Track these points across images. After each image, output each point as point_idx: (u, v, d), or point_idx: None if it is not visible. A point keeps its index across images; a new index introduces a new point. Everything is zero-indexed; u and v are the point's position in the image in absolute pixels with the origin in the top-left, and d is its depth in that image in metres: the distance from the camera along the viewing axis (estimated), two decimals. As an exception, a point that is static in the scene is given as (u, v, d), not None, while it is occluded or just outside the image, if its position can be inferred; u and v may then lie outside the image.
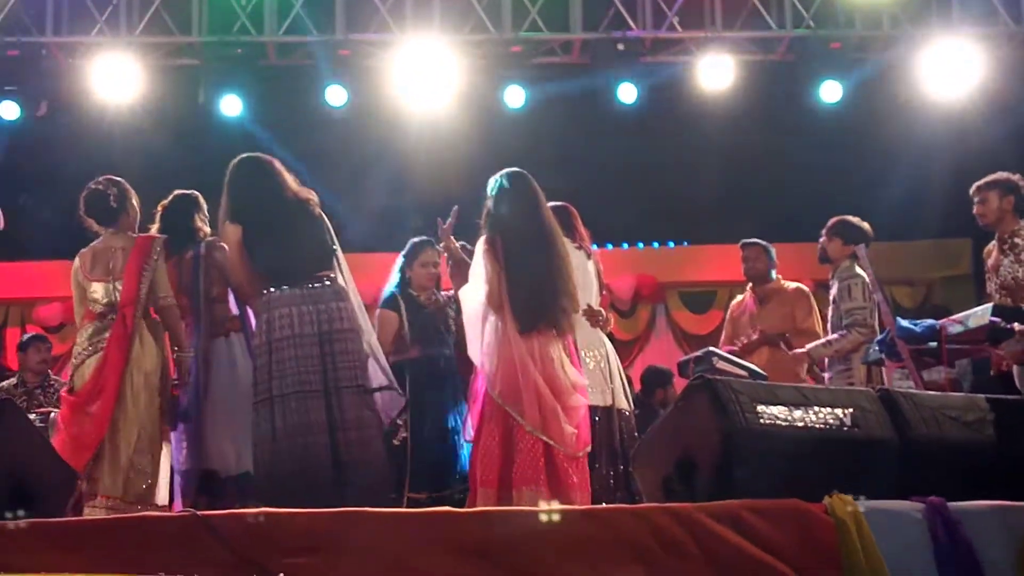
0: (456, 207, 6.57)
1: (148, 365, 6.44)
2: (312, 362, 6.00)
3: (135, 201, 6.88)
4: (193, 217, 7.01)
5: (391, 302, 7.56)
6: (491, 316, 6.13)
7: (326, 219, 6.37)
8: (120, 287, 6.51)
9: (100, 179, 6.82)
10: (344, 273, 6.34)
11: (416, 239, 7.76)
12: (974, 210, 7.28)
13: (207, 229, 7.01)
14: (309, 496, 5.37)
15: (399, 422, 7.18)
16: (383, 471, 6.15)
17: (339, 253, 6.37)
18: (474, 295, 6.22)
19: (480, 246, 6.23)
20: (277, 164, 6.43)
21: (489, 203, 6.32)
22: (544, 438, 5.92)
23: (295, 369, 5.99)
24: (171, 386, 6.59)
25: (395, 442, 7.13)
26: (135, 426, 6.36)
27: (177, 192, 7.12)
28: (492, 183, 6.37)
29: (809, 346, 8.02)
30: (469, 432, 6.26)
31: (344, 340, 6.10)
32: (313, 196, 6.38)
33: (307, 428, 5.93)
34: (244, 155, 6.47)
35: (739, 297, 8.84)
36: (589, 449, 6.16)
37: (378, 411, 6.24)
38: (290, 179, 6.39)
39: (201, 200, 7.13)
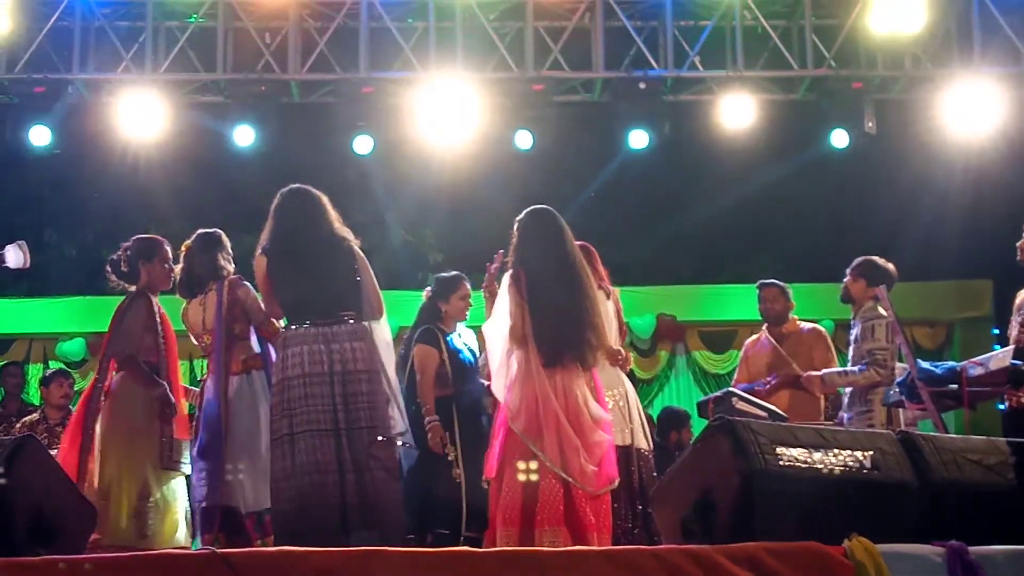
0: (500, 251, 6.60)
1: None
2: (323, 401, 5.99)
3: (159, 256, 7.11)
4: (216, 256, 7.02)
5: (430, 338, 7.56)
6: (515, 350, 6.15)
7: (362, 258, 6.32)
8: None
9: (124, 244, 7.07)
10: (370, 314, 6.27)
11: (447, 274, 7.82)
12: (1018, 243, 7.20)
13: (230, 267, 7.04)
14: (317, 534, 5.42)
15: (450, 459, 7.21)
16: (393, 514, 6.05)
17: (369, 291, 6.29)
18: (498, 330, 6.25)
19: (505, 280, 6.28)
20: (322, 199, 6.43)
21: (514, 239, 6.37)
22: (564, 475, 5.92)
23: (304, 408, 6.00)
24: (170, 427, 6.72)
25: (455, 479, 7.18)
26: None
27: (200, 231, 7.16)
28: (518, 220, 6.42)
29: (824, 371, 8.00)
30: (489, 468, 6.24)
31: (357, 381, 6.06)
32: (349, 235, 6.34)
33: (315, 467, 5.93)
34: (292, 186, 6.50)
35: (754, 336, 8.82)
36: (614, 486, 6.15)
37: (395, 455, 6.18)
38: (332, 216, 6.38)
39: (224, 238, 7.14)
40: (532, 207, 6.50)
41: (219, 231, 7.14)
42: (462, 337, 7.73)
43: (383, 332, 6.32)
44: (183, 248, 7.13)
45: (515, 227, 6.42)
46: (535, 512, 5.88)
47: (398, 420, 6.22)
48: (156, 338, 6.94)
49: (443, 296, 7.74)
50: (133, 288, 7.07)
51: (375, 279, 6.31)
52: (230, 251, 7.08)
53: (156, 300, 7.11)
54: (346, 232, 6.36)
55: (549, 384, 6.04)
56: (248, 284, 6.72)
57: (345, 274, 6.23)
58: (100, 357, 6.79)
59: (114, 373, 6.88)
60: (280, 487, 6.01)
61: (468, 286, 7.79)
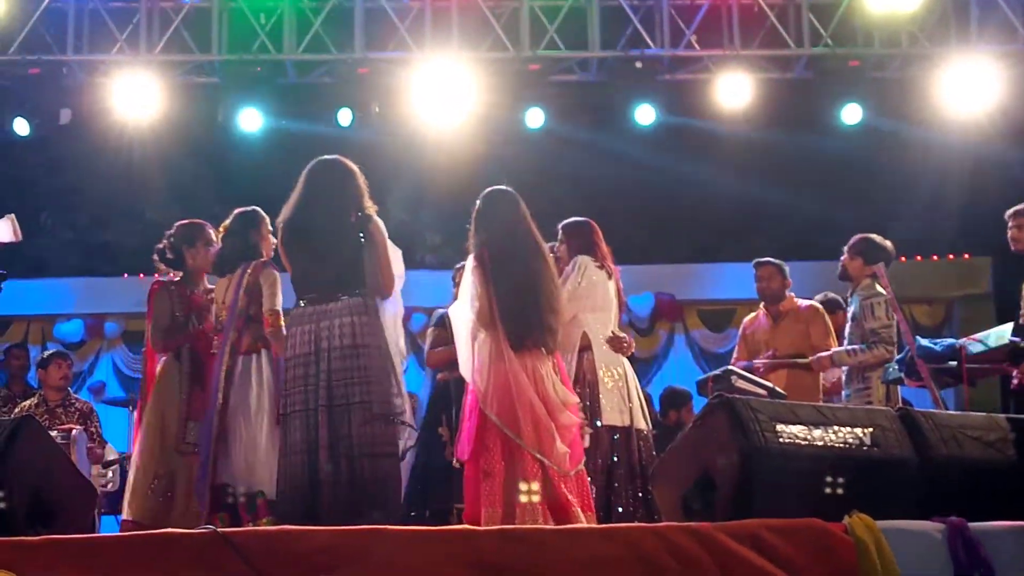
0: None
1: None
2: (307, 381, 5.91)
3: (201, 239, 7.19)
4: (248, 235, 6.95)
5: (440, 322, 7.60)
6: (481, 334, 6.14)
7: (375, 234, 6.13)
8: None
9: (168, 232, 7.19)
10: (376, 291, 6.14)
11: (458, 265, 7.86)
12: (1008, 234, 7.22)
13: (266, 247, 6.97)
14: (293, 516, 5.41)
15: (444, 440, 7.26)
16: (382, 494, 5.87)
17: (376, 268, 6.12)
18: (464, 312, 6.25)
19: (469, 263, 6.29)
20: (344, 171, 6.32)
21: (474, 221, 6.39)
22: (539, 457, 5.92)
23: (292, 389, 5.96)
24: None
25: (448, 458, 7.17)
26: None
27: (237, 210, 7.10)
28: (478, 202, 6.44)
29: (835, 349, 7.98)
30: (461, 450, 6.23)
31: (343, 357, 5.92)
32: (366, 209, 6.20)
33: (293, 447, 5.90)
34: (321, 157, 6.40)
35: (751, 315, 8.82)
36: (581, 467, 6.15)
37: (390, 431, 5.97)
38: (350, 190, 6.24)
39: (259, 217, 7.02)
40: (490, 188, 6.51)
41: (256, 209, 7.02)
42: None
43: (391, 309, 6.19)
44: (221, 228, 7.09)
45: (475, 209, 6.42)
46: (516, 493, 5.89)
47: (397, 398, 6.06)
48: (189, 322, 7.01)
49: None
50: (170, 275, 7.20)
51: (388, 256, 6.14)
52: (269, 228, 7.01)
53: (204, 282, 7.23)
54: (366, 206, 6.21)
55: (520, 366, 6.03)
56: (274, 269, 6.70)
57: (348, 251, 6.07)
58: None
59: (160, 358, 7.02)
60: (279, 465, 6.02)
61: None
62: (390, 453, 5.94)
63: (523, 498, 5.90)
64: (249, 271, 6.71)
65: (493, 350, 6.07)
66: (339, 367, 5.90)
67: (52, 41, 10.46)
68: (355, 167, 6.33)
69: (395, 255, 6.22)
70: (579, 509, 5.94)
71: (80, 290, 13.72)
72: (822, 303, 8.68)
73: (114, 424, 11.83)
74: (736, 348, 8.89)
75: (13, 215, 6.94)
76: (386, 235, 6.16)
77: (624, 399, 6.85)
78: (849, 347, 7.92)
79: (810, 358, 8.07)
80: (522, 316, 6.10)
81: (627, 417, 6.83)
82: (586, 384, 6.78)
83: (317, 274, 6.09)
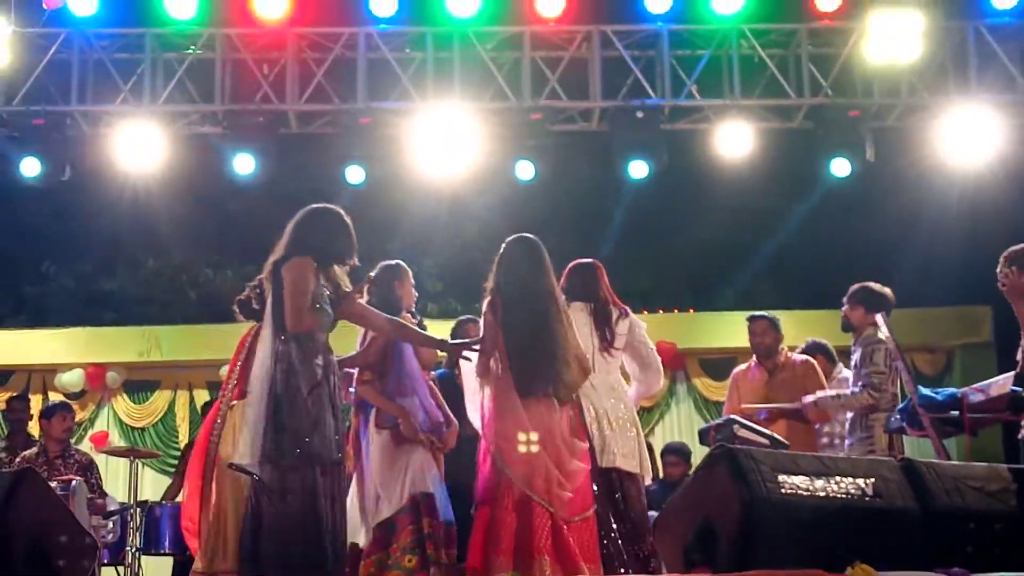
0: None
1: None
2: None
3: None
4: (393, 286, 7.09)
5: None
6: (488, 380, 6.16)
7: (286, 276, 5.94)
8: None
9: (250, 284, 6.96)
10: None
11: (461, 318, 8.02)
12: (999, 283, 7.19)
13: (410, 295, 7.15)
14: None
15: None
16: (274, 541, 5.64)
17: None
18: (474, 357, 6.27)
19: (484, 309, 6.29)
20: (337, 220, 6.22)
21: (495, 266, 6.38)
22: (545, 505, 5.92)
23: None
24: None
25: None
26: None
27: (382, 264, 7.22)
28: (502, 246, 6.45)
29: (819, 394, 7.96)
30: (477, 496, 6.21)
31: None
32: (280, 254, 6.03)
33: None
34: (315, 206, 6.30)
35: (743, 366, 8.82)
36: (588, 514, 6.13)
37: (278, 480, 5.69)
38: (309, 236, 6.10)
39: (403, 268, 7.17)
40: (516, 235, 6.50)
41: (399, 262, 7.25)
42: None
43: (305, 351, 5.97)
44: (367, 280, 7.08)
45: (498, 254, 6.42)
46: (530, 541, 5.87)
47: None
48: None
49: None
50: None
51: (293, 298, 5.90)
52: (412, 280, 7.20)
53: None
54: (296, 248, 6.02)
55: (526, 415, 6.03)
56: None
57: (274, 296, 5.99)
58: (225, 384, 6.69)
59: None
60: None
61: (476, 327, 7.77)
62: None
63: (534, 548, 5.87)
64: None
65: (499, 397, 6.09)
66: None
67: (56, 92, 10.51)
68: (340, 214, 6.23)
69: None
70: (585, 563, 5.92)
71: (81, 339, 13.71)
72: (806, 349, 8.70)
73: (115, 475, 11.84)
74: (727, 398, 8.87)
75: None
76: (301, 274, 5.94)
77: (602, 439, 6.76)
78: (833, 392, 7.94)
79: (796, 404, 8.05)
80: (531, 364, 6.10)
81: (635, 464, 6.77)
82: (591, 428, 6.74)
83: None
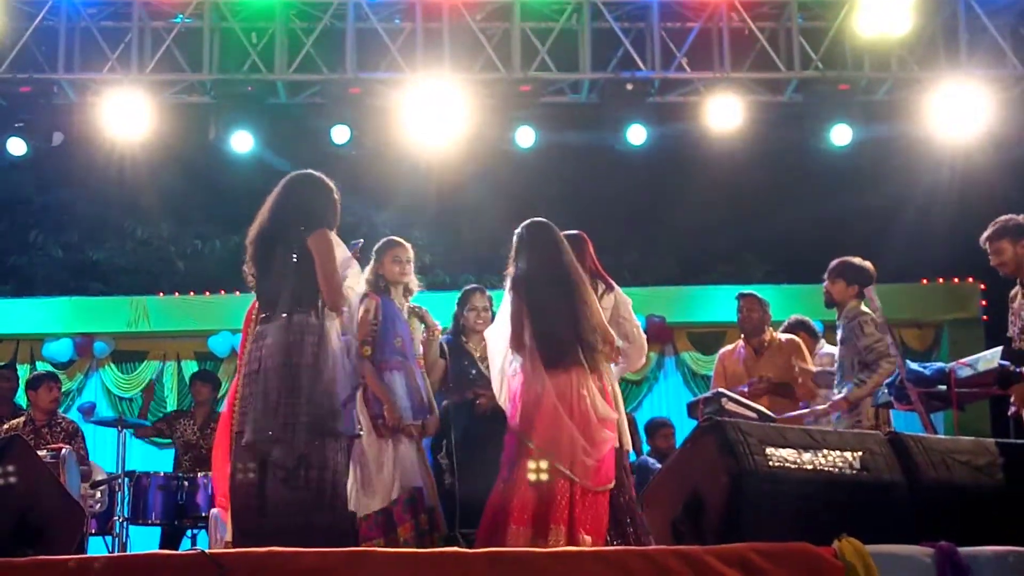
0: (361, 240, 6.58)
1: None
2: (239, 404, 5.80)
3: None
4: (373, 264, 7.27)
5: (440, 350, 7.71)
6: (516, 355, 6.26)
7: (317, 247, 5.76)
8: None
9: None
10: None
11: (468, 287, 8.04)
12: (991, 262, 7.16)
13: (390, 271, 7.26)
14: (253, 532, 5.32)
15: (442, 464, 7.27)
16: (275, 519, 5.51)
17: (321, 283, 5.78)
18: (500, 334, 6.38)
19: (507, 288, 6.42)
20: (310, 185, 6.06)
21: (513, 250, 6.48)
22: (569, 474, 5.96)
23: (242, 409, 5.77)
24: None
25: (446, 485, 7.24)
26: None
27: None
28: (517, 232, 6.53)
29: (844, 391, 7.63)
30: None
31: (252, 383, 5.70)
32: (306, 222, 5.84)
33: (245, 467, 5.78)
34: (296, 172, 6.16)
35: (729, 347, 8.84)
36: (611, 486, 6.19)
37: (296, 452, 5.57)
38: (308, 204, 5.94)
39: (387, 242, 7.37)
40: (530, 220, 6.59)
41: (388, 239, 7.38)
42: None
43: (334, 326, 5.86)
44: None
45: (514, 239, 6.52)
46: (549, 511, 5.92)
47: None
48: None
49: (460, 309, 7.93)
50: None
51: (329, 270, 5.74)
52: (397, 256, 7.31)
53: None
54: (318, 220, 5.86)
55: (552, 384, 6.10)
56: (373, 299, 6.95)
57: (282, 268, 5.80)
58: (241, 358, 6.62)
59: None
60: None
61: (483, 297, 7.96)
62: (275, 477, 5.58)
63: (532, 476, 5.99)
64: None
65: (526, 371, 6.19)
66: (249, 392, 5.70)
67: (43, 59, 10.45)
68: (325, 182, 6.08)
69: (352, 270, 5.95)
70: (587, 535, 5.95)
71: (69, 309, 13.67)
72: (788, 326, 8.72)
73: (104, 444, 11.82)
74: (713, 379, 8.88)
75: None
76: (333, 248, 5.81)
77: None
78: (856, 379, 7.56)
79: (826, 405, 7.89)
80: (556, 335, 6.21)
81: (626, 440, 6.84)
82: None
83: (261, 292, 5.95)
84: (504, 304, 6.39)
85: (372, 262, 7.28)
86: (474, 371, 7.66)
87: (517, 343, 6.23)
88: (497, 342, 6.41)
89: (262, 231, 5.95)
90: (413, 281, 7.41)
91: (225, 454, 6.08)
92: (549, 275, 6.36)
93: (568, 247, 6.51)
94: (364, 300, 6.90)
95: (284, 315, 5.69)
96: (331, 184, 6.09)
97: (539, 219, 6.61)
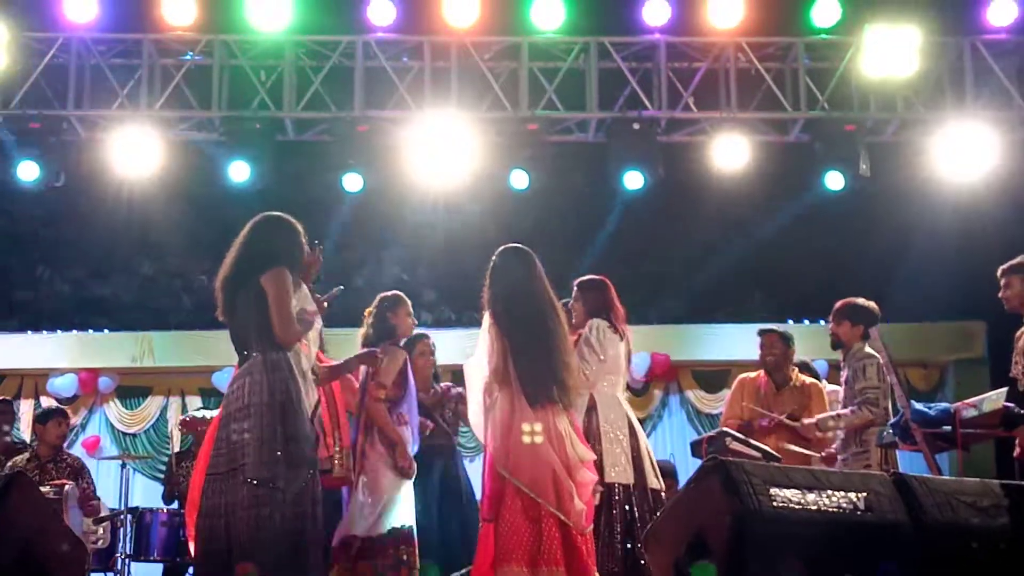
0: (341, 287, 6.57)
1: None
2: (217, 445, 5.73)
3: None
4: (386, 317, 7.43)
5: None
6: (498, 391, 6.14)
7: (271, 284, 5.75)
8: None
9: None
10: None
11: (414, 334, 8.02)
12: (1000, 294, 7.22)
13: (406, 324, 7.49)
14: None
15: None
16: (263, 557, 5.49)
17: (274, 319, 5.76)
18: (479, 368, 6.27)
19: (485, 320, 6.28)
20: (272, 227, 6.07)
21: (488, 278, 6.39)
22: (560, 516, 5.92)
23: (215, 452, 5.75)
24: None
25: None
26: None
27: (380, 296, 7.54)
28: (493, 259, 6.46)
29: (818, 416, 7.95)
30: (484, 510, 6.21)
31: (229, 424, 5.70)
32: (268, 260, 5.85)
33: (213, 511, 5.77)
34: (262, 214, 6.18)
35: (751, 374, 8.79)
36: (592, 526, 6.15)
37: (262, 495, 5.53)
38: (268, 245, 5.96)
39: (399, 298, 7.51)
40: (505, 246, 6.51)
41: (396, 293, 7.59)
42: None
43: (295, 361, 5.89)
44: (366, 313, 7.54)
45: (490, 265, 6.43)
46: (541, 551, 5.87)
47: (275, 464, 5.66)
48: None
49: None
50: None
51: (283, 308, 5.75)
52: (410, 308, 7.56)
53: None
54: (264, 259, 5.87)
55: (537, 423, 6.02)
56: (400, 349, 7.24)
57: (243, 309, 5.85)
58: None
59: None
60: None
61: (426, 343, 8.19)
62: (260, 516, 5.55)
63: (521, 517, 5.90)
64: (380, 350, 6.92)
65: (510, 407, 6.07)
66: (224, 435, 5.70)
67: (53, 96, 10.51)
68: (287, 221, 6.10)
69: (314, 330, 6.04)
70: (592, 569, 5.94)
71: (74, 344, 13.69)
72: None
73: (107, 480, 11.81)
74: (728, 402, 8.85)
75: None
76: (289, 285, 5.82)
77: (629, 458, 6.85)
78: (834, 412, 7.91)
79: (797, 424, 8.06)
80: (537, 372, 6.10)
81: (630, 475, 6.82)
82: (592, 443, 6.76)
83: (232, 336, 5.97)
84: (483, 335, 6.26)
85: (387, 313, 7.45)
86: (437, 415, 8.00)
87: (502, 376, 6.10)
88: (476, 376, 6.27)
89: (225, 277, 6.00)
90: None
91: (197, 490, 6.09)
92: (526, 305, 6.23)
93: (542, 272, 6.37)
94: (392, 351, 7.22)
95: (257, 355, 5.76)
96: (294, 223, 6.10)
97: (512, 245, 6.50)
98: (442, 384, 8.29)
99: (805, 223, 13.11)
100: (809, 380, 8.52)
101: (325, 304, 6.29)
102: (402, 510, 7.04)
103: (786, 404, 8.31)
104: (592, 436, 6.78)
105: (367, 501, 6.99)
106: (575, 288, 7.18)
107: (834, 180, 10.60)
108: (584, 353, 6.84)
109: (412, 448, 7.16)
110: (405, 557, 6.94)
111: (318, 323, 6.15)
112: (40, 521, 4.87)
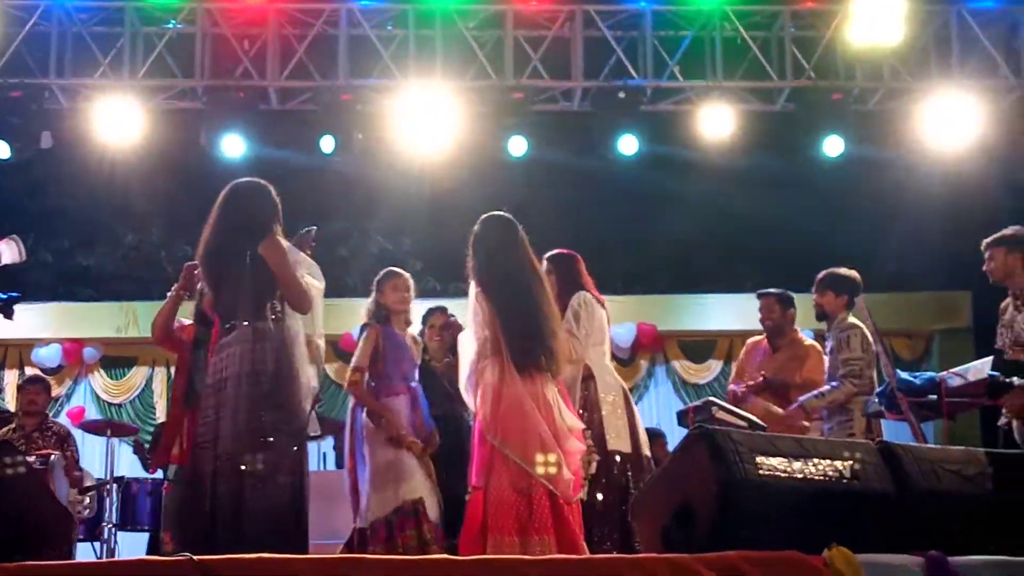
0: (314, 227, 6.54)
1: None
2: (204, 414, 5.77)
3: None
4: (375, 293, 7.48)
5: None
6: (487, 360, 6.11)
7: (270, 251, 5.82)
8: None
9: None
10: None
11: (430, 307, 8.13)
12: (984, 267, 7.23)
13: (390, 299, 7.41)
14: (202, 545, 5.30)
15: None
16: (262, 523, 5.54)
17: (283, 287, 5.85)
18: (471, 339, 6.24)
19: (472, 290, 6.25)
20: (252, 193, 6.10)
21: (471, 248, 6.34)
22: (549, 485, 5.91)
23: (203, 421, 5.80)
24: None
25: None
26: None
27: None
28: (475, 228, 6.41)
29: (802, 398, 7.90)
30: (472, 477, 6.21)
31: (225, 389, 5.71)
32: (264, 230, 5.89)
33: (193, 480, 5.76)
34: (237, 180, 6.21)
35: (758, 337, 8.78)
36: (581, 495, 6.14)
37: (269, 459, 5.63)
38: (254, 211, 5.99)
39: (389, 272, 7.60)
40: (487, 214, 6.48)
41: (388, 270, 7.60)
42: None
43: (298, 329, 5.93)
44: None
45: (472, 234, 6.38)
46: (530, 520, 5.87)
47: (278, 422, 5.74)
48: None
49: (423, 329, 7.98)
50: None
51: (288, 274, 5.81)
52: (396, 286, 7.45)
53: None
54: (265, 226, 5.90)
55: (528, 394, 6.01)
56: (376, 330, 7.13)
57: (239, 277, 5.82)
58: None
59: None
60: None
61: (441, 316, 8.10)
62: (264, 482, 5.62)
63: (511, 486, 5.88)
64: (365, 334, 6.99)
65: (499, 375, 6.04)
66: (222, 401, 5.71)
67: (34, 64, 10.43)
68: (262, 185, 6.11)
69: (304, 265, 6.02)
70: (580, 538, 5.94)
71: (59, 315, 13.64)
72: None
73: (92, 450, 11.79)
74: (735, 369, 8.88)
75: (16, 236, 6.85)
76: (286, 252, 5.88)
77: (627, 424, 6.85)
78: (817, 391, 7.83)
79: (784, 411, 8.03)
80: (526, 340, 6.08)
81: (629, 444, 6.82)
82: (592, 412, 6.77)
83: (220, 303, 5.97)
84: (471, 306, 6.22)
85: (373, 292, 7.40)
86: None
87: (493, 347, 6.08)
88: (471, 345, 6.23)
89: (210, 247, 5.99)
90: (411, 312, 7.50)
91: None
92: (511, 273, 6.21)
93: (524, 239, 6.32)
94: (365, 330, 7.05)
95: (246, 324, 5.75)
96: (269, 186, 6.12)
97: (494, 213, 6.47)
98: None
99: (791, 193, 13.12)
100: (808, 342, 8.51)
101: (308, 251, 6.27)
102: (409, 483, 6.91)
103: (778, 364, 8.32)
104: (591, 404, 6.79)
105: (372, 480, 6.93)
106: (545, 262, 7.12)
107: (828, 146, 10.57)
108: (573, 327, 6.83)
109: (422, 417, 7.13)
110: (428, 536, 6.80)
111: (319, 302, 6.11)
112: (27, 492, 4.86)
